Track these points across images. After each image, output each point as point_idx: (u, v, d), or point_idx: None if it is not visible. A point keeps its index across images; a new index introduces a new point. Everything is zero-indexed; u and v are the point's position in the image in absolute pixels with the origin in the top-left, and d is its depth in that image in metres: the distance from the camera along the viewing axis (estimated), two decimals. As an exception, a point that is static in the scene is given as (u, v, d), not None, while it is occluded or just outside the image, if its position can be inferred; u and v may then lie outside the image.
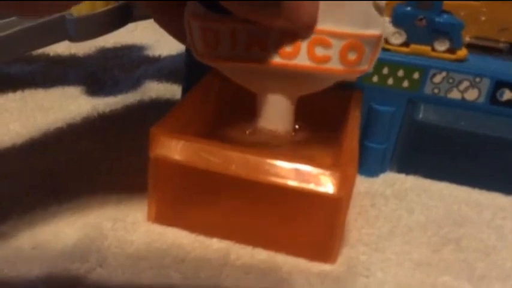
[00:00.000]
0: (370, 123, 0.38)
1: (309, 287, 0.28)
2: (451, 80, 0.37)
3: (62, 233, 0.30)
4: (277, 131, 0.29)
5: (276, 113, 0.29)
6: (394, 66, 0.37)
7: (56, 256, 0.28)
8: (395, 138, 0.39)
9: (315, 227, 0.30)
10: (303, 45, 0.24)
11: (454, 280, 0.30)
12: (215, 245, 0.30)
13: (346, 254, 0.31)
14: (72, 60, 0.53)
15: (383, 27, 0.27)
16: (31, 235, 0.30)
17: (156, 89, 0.49)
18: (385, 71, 0.37)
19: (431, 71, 0.37)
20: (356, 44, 0.25)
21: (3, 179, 0.34)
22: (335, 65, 0.26)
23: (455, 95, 0.37)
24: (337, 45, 0.25)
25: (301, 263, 0.30)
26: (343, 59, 0.25)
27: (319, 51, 0.25)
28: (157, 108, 0.46)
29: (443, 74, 0.37)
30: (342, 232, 0.30)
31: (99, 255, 0.29)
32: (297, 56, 0.25)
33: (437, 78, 0.37)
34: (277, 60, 0.25)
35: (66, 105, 0.44)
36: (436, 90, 0.37)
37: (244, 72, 0.27)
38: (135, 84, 0.49)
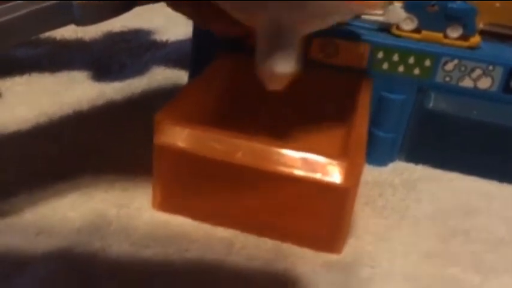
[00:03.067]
0: (379, 111, 0.37)
1: (314, 277, 0.28)
2: (463, 68, 0.36)
3: (67, 218, 0.30)
4: (279, 72, 0.26)
5: (278, 49, 0.25)
6: (405, 53, 0.36)
7: (61, 242, 0.28)
8: (405, 127, 0.38)
9: (321, 216, 0.29)
10: None
11: (462, 272, 0.30)
12: (220, 234, 0.30)
13: (352, 244, 0.30)
14: (78, 44, 0.53)
15: None
16: (36, 221, 0.30)
17: (163, 74, 0.48)
18: (396, 57, 0.36)
19: (443, 59, 0.36)
20: None
21: (9, 163, 0.34)
22: None
23: (467, 83, 0.36)
24: None
25: (307, 252, 0.29)
26: None
27: None
28: (164, 94, 0.45)
29: (456, 61, 0.36)
30: (349, 222, 0.30)
31: (103, 241, 0.29)
32: None
33: (449, 66, 0.36)
34: None
35: (72, 90, 0.44)
36: (447, 78, 0.36)
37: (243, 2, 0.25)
38: (142, 69, 0.49)
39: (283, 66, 0.26)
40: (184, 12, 0.26)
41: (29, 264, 0.27)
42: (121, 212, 0.31)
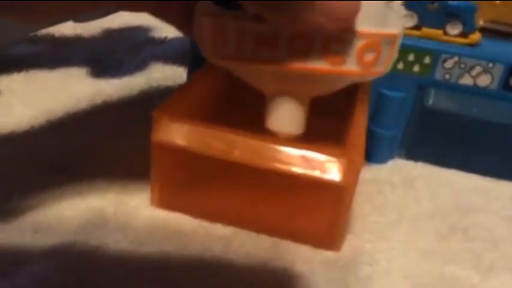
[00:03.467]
0: (378, 108, 0.37)
1: (313, 275, 0.28)
2: (463, 65, 0.36)
3: (65, 216, 0.30)
4: (286, 134, 0.28)
5: (286, 115, 0.27)
6: (404, 50, 0.36)
7: (58, 240, 0.28)
8: (405, 124, 0.38)
9: (319, 214, 0.29)
10: (317, 45, 0.23)
11: (461, 270, 0.30)
12: (219, 231, 0.30)
13: (350, 242, 0.30)
14: (77, 41, 0.53)
15: (401, 26, 0.26)
16: (33, 218, 0.29)
17: (162, 71, 0.48)
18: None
19: (443, 56, 0.36)
20: (374, 43, 0.24)
21: (6, 160, 0.34)
22: (351, 67, 0.25)
23: (467, 80, 0.36)
24: (355, 45, 0.24)
25: (306, 250, 0.29)
26: (360, 59, 0.24)
27: (335, 52, 0.24)
28: (163, 90, 0.45)
29: (455, 58, 0.36)
30: (347, 220, 0.30)
31: (101, 240, 0.28)
32: (310, 58, 0.24)
33: (449, 63, 0.36)
34: (289, 62, 0.24)
35: (70, 87, 0.44)
36: (447, 76, 0.36)
37: (253, 73, 0.26)
38: (140, 66, 0.49)
39: (289, 129, 0.27)
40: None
41: (26, 262, 0.27)
42: (119, 210, 0.31)
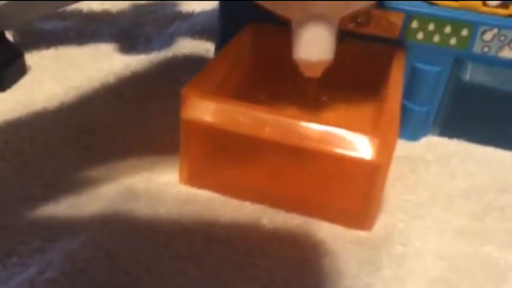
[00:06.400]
0: (413, 83, 0.36)
1: (344, 253, 0.27)
2: (502, 38, 0.34)
3: (95, 193, 0.30)
4: (318, 61, 0.27)
5: (317, 40, 0.26)
6: (441, 22, 0.34)
7: (89, 217, 0.28)
8: (440, 100, 0.37)
9: (351, 193, 0.28)
10: None
11: (497, 250, 0.29)
12: (247, 209, 0.30)
13: (383, 221, 0.30)
14: (105, 17, 0.53)
15: None
16: (65, 195, 0.30)
17: (190, 46, 0.48)
18: (431, 27, 0.34)
19: (482, 28, 0.34)
20: None
21: (38, 135, 0.34)
22: None
23: (506, 53, 0.35)
24: None
25: (337, 229, 0.29)
26: None
27: None
28: (191, 66, 0.44)
29: (495, 30, 0.34)
30: (380, 199, 0.29)
31: (130, 216, 0.29)
32: None
33: (488, 36, 0.34)
34: None
35: (99, 63, 0.44)
36: (485, 49, 0.35)
37: None
38: (168, 41, 0.48)
39: (320, 55, 0.27)
40: None
41: (58, 238, 0.27)
42: (149, 187, 0.31)
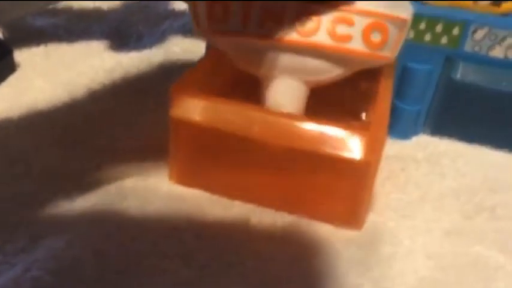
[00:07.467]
0: (403, 82, 0.36)
1: (332, 254, 0.27)
2: (493, 37, 0.34)
3: (84, 191, 0.30)
4: (285, 111, 0.28)
5: (286, 97, 0.27)
6: (432, 20, 0.34)
7: (76, 214, 0.28)
8: (431, 98, 0.37)
9: (340, 191, 0.28)
10: (324, 22, 0.23)
11: (487, 250, 0.29)
12: (237, 208, 0.30)
13: (373, 220, 0.30)
14: (96, 14, 0.52)
15: (410, 13, 0.25)
16: (53, 192, 0.29)
17: (181, 44, 0.47)
18: (423, 26, 0.34)
19: (473, 26, 0.34)
20: (381, 25, 0.23)
21: (26, 132, 0.34)
22: (356, 46, 0.24)
23: (497, 52, 0.35)
24: (361, 23, 0.23)
25: (326, 228, 0.29)
26: (366, 39, 0.24)
27: (341, 30, 0.23)
28: (182, 64, 0.44)
29: (486, 29, 0.34)
30: (369, 198, 0.29)
31: (119, 215, 0.28)
32: (316, 34, 0.23)
33: (479, 34, 0.34)
34: (293, 37, 0.23)
35: (89, 60, 0.43)
36: (476, 48, 0.35)
37: (253, 51, 0.26)
38: (159, 39, 0.48)
39: (289, 108, 0.28)
40: None
41: (44, 237, 0.27)
42: (138, 185, 0.31)
